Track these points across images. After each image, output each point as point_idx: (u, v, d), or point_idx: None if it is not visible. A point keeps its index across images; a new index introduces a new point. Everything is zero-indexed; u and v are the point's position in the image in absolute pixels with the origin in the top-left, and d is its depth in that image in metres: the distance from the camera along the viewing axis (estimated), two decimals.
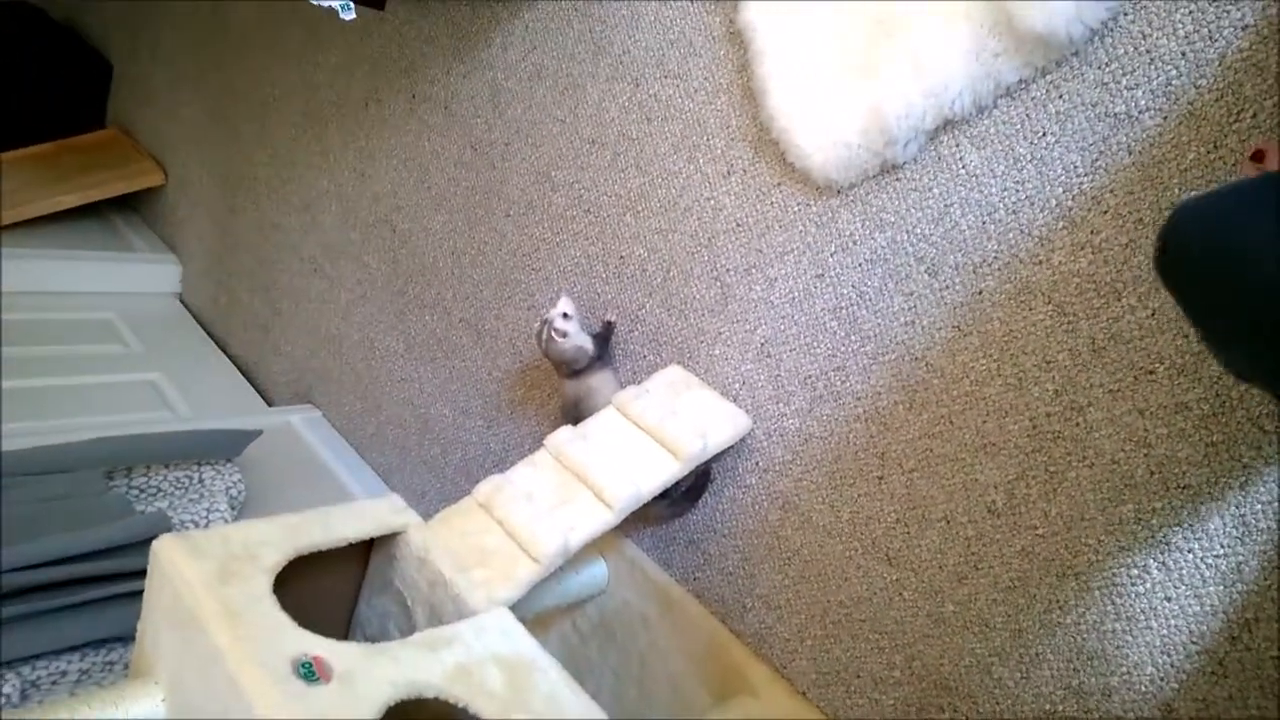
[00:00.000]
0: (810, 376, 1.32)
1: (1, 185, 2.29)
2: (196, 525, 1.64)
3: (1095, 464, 1.07)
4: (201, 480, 1.73)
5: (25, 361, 1.96)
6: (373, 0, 1.32)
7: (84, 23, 2.86)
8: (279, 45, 2.16)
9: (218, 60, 2.35)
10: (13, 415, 1.77)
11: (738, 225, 1.38)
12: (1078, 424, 1.07)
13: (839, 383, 1.29)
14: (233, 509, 1.72)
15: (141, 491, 1.65)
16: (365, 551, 1.27)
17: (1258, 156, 0.86)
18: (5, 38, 2.59)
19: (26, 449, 1.55)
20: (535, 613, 1.41)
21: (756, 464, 1.39)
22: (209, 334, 2.40)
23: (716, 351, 1.43)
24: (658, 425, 1.34)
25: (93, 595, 1.39)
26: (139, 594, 1.06)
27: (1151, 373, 1.01)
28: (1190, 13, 0.95)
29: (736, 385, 1.41)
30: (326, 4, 1.31)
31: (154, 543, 1.00)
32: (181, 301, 2.50)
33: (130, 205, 2.61)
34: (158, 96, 2.58)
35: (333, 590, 1.29)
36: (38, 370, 1.97)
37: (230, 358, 2.34)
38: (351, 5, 1.31)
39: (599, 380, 1.48)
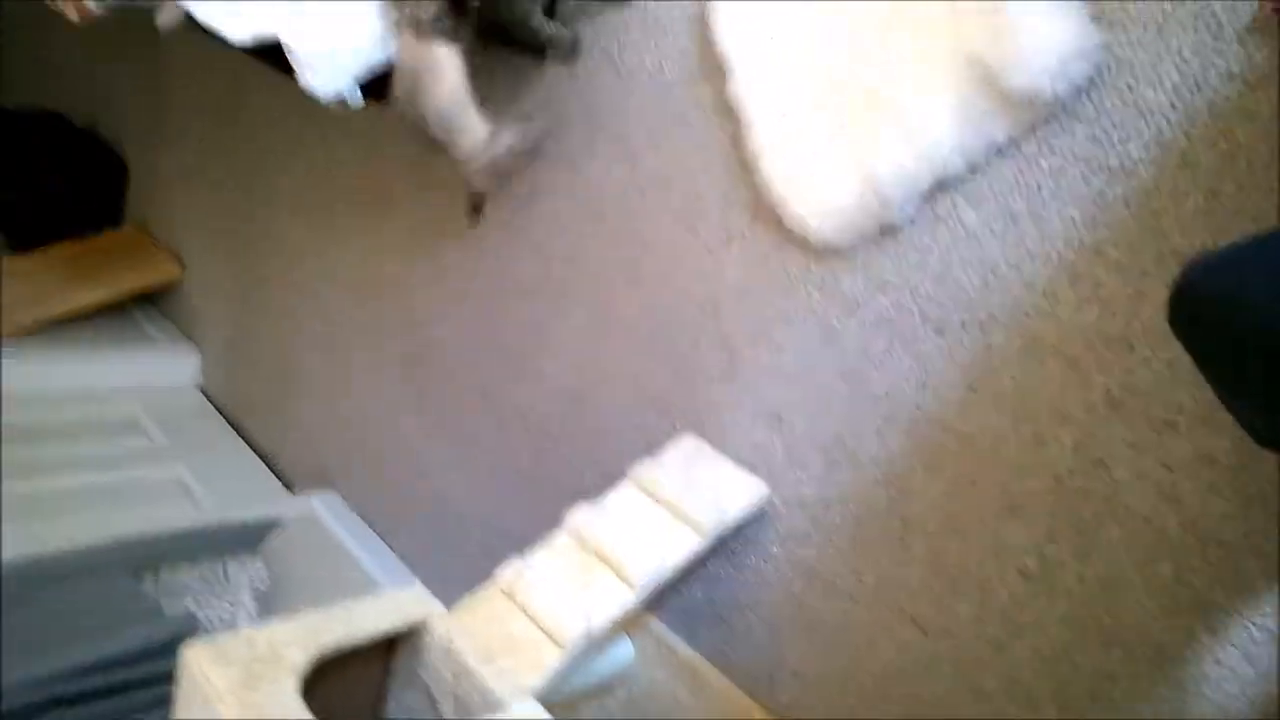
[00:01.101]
0: (825, 442, 1.31)
1: (24, 288, 2.34)
2: (223, 621, 1.64)
3: (1126, 522, 1.04)
4: (226, 574, 1.74)
5: (53, 463, 1.99)
6: (378, 93, 1.35)
7: (102, 124, 2.94)
8: (291, 134, 2.21)
9: (231, 154, 2.41)
10: (39, 518, 1.79)
11: (741, 292, 1.38)
12: (1103, 480, 1.05)
13: (854, 447, 1.28)
14: (256, 601, 1.72)
15: (169, 589, 1.66)
16: (390, 642, 1.26)
17: None
18: (28, 144, 2.67)
19: (54, 553, 1.57)
20: (564, 697, 1.39)
21: (777, 533, 1.37)
22: (230, 421, 2.42)
23: (727, 419, 1.42)
24: (675, 499, 1.33)
25: (124, 704, 1.39)
26: (168, 699, 1.06)
27: (1173, 425, 0.99)
28: (1175, 65, 0.94)
29: (751, 453, 1.39)
30: (334, 94, 1.32)
31: (184, 652, 1.00)
32: (202, 391, 2.53)
33: (149, 299, 2.66)
34: (173, 191, 2.64)
35: (360, 686, 1.28)
36: (66, 470, 2.00)
37: (251, 444, 2.36)
38: (359, 94, 1.33)
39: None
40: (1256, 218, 0.91)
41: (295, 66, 1.22)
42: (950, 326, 1.16)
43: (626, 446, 1.56)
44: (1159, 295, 0.99)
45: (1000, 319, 1.11)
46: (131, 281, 2.47)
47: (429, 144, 1.40)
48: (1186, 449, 0.98)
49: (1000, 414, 1.13)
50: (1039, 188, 1.06)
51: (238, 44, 1.21)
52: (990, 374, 1.13)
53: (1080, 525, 1.07)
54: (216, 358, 2.53)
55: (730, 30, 1.28)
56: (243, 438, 2.38)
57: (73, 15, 1.38)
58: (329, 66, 1.20)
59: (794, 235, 1.29)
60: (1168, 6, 0.94)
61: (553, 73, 1.56)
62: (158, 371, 2.45)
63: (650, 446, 1.51)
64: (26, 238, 2.55)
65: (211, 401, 2.50)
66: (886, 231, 1.20)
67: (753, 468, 1.39)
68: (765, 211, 1.32)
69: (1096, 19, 0.98)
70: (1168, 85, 0.95)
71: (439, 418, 1.91)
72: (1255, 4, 0.89)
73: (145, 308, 2.64)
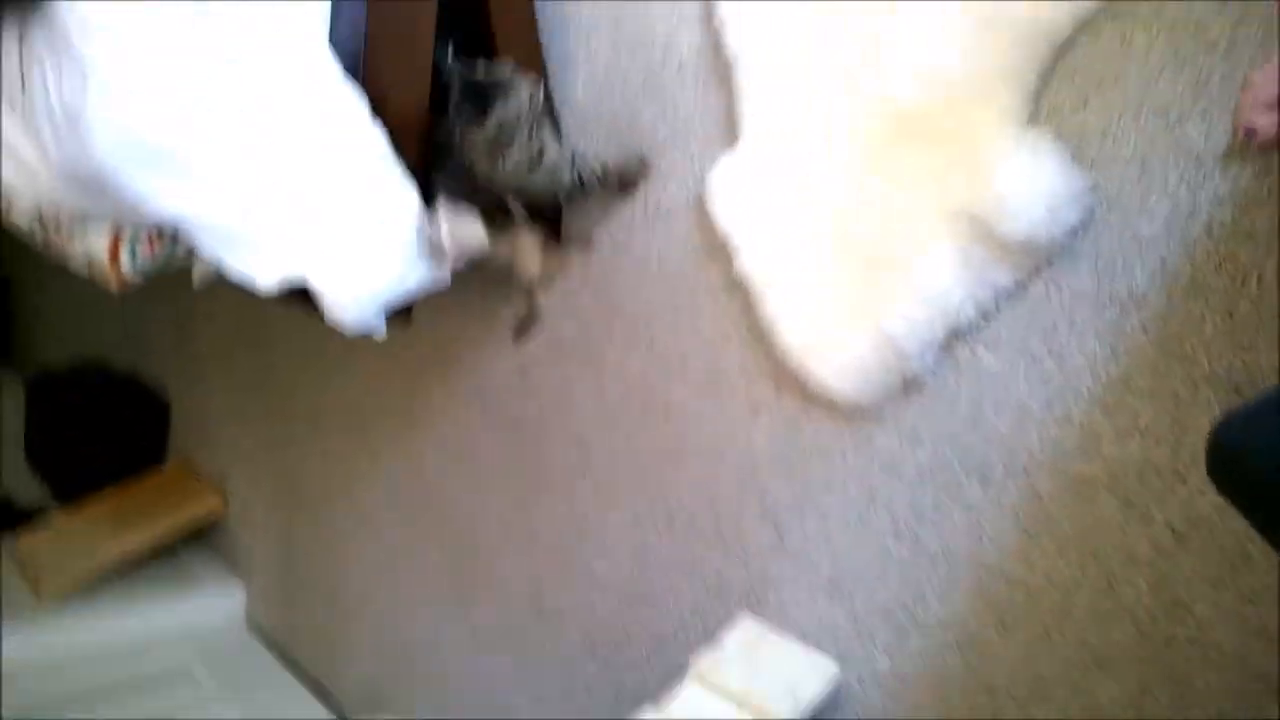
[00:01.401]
0: (888, 608, 1.25)
1: (69, 544, 2.38)
2: None
3: (1220, 664, 0.97)
4: None
5: None
6: (402, 320, 1.40)
7: (142, 366, 3.08)
8: (321, 361, 2.29)
9: (267, 385, 2.49)
10: None
11: (776, 461, 1.37)
12: (1186, 622, 0.99)
13: (920, 611, 1.22)
14: None
15: None
16: None
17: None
18: (70, 399, 2.79)
19: None
20: None
21: (856, 713, 1.29)
22: (279, 653, 2.39)
23: (785, 595, 1.37)
24: (743, 690, 1.26)
25: None
26: None
27: (1246, 555, 0.94)
28: (1163, 196, 0.96)
29: (814, 629, 1.34)
30: (361, 328, 1.38)
31: None
32: (250, 624, 2.50)
33: (195, 535, 2.69)
34: (214, 426, 2.72)
35: None
36: None
37: (302, 674, 2.31)
38: (383, 325, 1.38)
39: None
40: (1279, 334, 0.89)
41: (322, 307, 1.28)
42: (993, 474, 1.13)
43: (686, 635, 1.51)
44: (1199, 420, 0.96)
45: (1043, 461, 1.09)
46: (176, 521, 2.50)
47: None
48: (1266, 578, 0.93)
49: (1065, 561, 1.08)
50: (1054, 326, 1.05)
51: (267, 291, 1.27)
52: (1045, 519, 1.09)
53: (1172, 673, 1.00)
54: (264, 588, 2.52)
55: (728, 211, 1.33)
56: (294, 669, 2.33)
57: (113, 286, 1.47)
58: (354, 304, 1.26)
59: (820, 399, 1.29)
60: (1145, 142, 0.97)
61: (567, 269, 1.62)
62: (206, 611, 2.45)
63: (709, 632, 1.46)
64: (73, 489, 2.62)
65: (261, 634, 2.47)
66: (911, 385, 1.20)
67: (819, 644, 1.33)
68: (788, 379, 1.32)
69: (1078, 161, 1.01)
70: (1161, 216, 0.96)
71: (490, 626, 1.86)
72: (1228, 130, 0.91)
73: (190, 544, 2.67)
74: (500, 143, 1.22)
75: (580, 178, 1.36)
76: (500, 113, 1.19)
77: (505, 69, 1.23)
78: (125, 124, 1.06)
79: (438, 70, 1.29)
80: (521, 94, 1.20)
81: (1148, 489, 1.00)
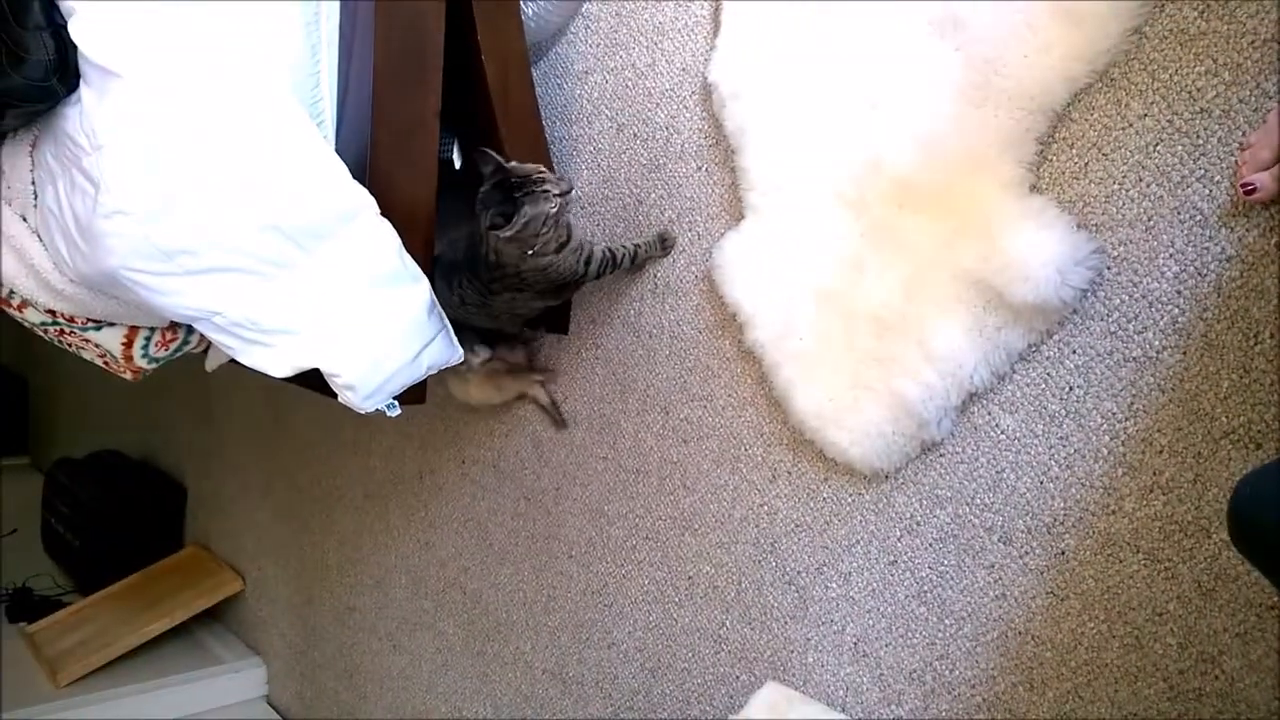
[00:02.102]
0: (915, 670, 1.24)
1: (93, 627, 2.37)
2: None
3: (1251, 717, 0.96)
4: None
5: None
6: (415, 397, 1.41)
7: (158, 451, 3.09)
8: (334, 439, 2.29)
9: (281, 465, 2.50)
10: None
11: (796, 526, 1.37)
12: (1216, 677, 0.98)
13: (947, 672, 1.21)
14: None
15: None
16: None
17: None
18: (89, 486, 2.80)
19: None
20: None
21: None
22: None
23: (810, 659, 1.36)
24: None
25: None
26: None
27: (1273, 608, 0.94)
28: (1171, 255, 0.98)
29: (841, 693, 1.32)
30: (374, 409, 1.39)
31: None
32: (269, 703, 2.48)
33: (213, 615, 2.67)
34: (230, 508, 2.72)
35: None
36: None
37: None
38: (397, 404, 1.39)
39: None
40: None
41: (335, 390, 1.29)
42: (1016, 534, 1.13)
43: (711, 702, 1.49)
44: (1221, 475, 0.97)
45: (1065, 521, 1.09)
46: (195, 603, 2.49)
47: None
48: None
49: (1093, 619, 1.07)
50: (1070, 387, 1.06)
51: (279, 378, 1.29)
52: (1070, 579, 1.09)
53: None
54: (283, 666, 2.50)
55: (736, 285, 1.35)
56: None
57: (128, 375, 1.48)
58: (367, 388, 1.27)
59: (838, 464, 1.30)
60: (1149, 205, 0.99)
61: (578, 346, 1.64)
62: (224, 691, 2.42)
63: (734, 698, 1.44)
64: (92, 577, 2.61)
65: (281, 713, 2.44)
66: (929, 448, 1.20)
67: (845, 708, 1.32)
68: (804, 445, 1.33)
69: (1084, 226, 1.03)
70: (1169, 275, 0.98)
71: (512, 699, 1.84)
72: (1231, 191, 0.93)
73: (210, 625, 2.65)
74: (527, 238, 1.27)
75: (611, 254, 1.41)
76: (530, 210, 1.23)
77: (532, 167, 1.27)
78: (137, 232, 1.08)
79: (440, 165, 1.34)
80: (552, 194, 1.24)
81: (1172, 545, 1.01)
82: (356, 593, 2.24)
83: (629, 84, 1.51)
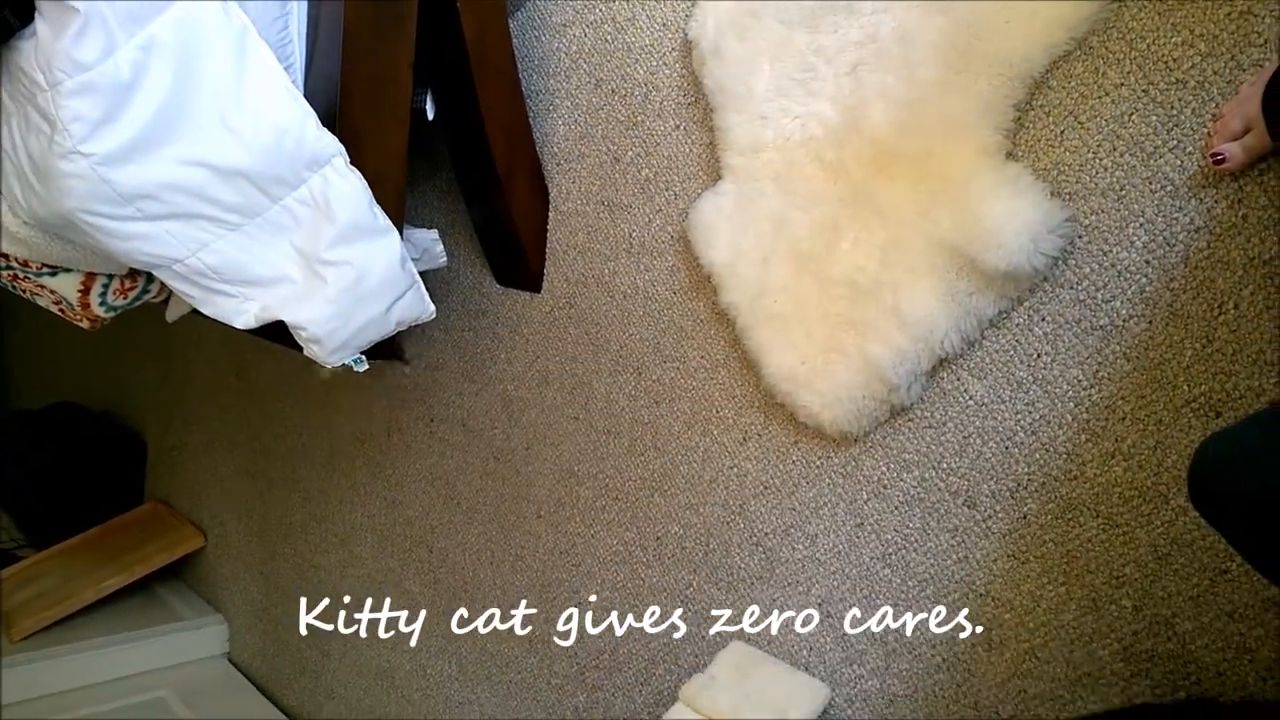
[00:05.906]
0: (878, 631, 1.26)
1: (50, 581, 2.33)
2: None
3: (1202, 680, 0.99)
4: None
5: None
6: (384, 352, 1.39)
7: (117, 405, 3.03)
8: (300, 394, 2.27)
9: (245, 419, 2.46)
10: None
11: (765, 488, 1.38)
12: (1169, 639, 1.01)
13: (909, 632, 1.23)
14: None
15: None
16: None
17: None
18: (42, 442, 2.74)
19: None
20: None
21: None
22: (261, 689, 2.35)
23: (775, 619, 1.38)
24: (733, 714, 1.27)
25: None
26: None
27: (1225, 572, 0.96)
28: (1141, 225, 0.99)
29: (804, 652, 1.35)
30: (341, 363, 1.37)
31: None
32: (231, 660, 2.46)
33: (173, 572, 2.64)
34: (192, 463, 2.68)
35: None
36: None
37: (284, 710, 2.27)
38: (364, 359, 1.37)
39: None
40: (1256, 359, 0.92)
41: (301, 343, 1.27)
42: (980, 498, 1.15)
43: (675, 661, 1.51)
44: (1181, 443, 0.99)
45: (1029, 485, 1.11)
46: (155, 558, 2.46)
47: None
48: (1247, 595, 0.95)
49: (1052, 582, 1.10)
50: (1038, 355, 1.08)
51: (243, 329, 1.26)
52: (1032, 542, 1.11)
53: (1156, 689, 1.02)
54: (244, 623, 2.48)
55: (711, 246, 1.35)
56: (276, 704, 2.29)
57: (85, 324, 1.45)
58: (334, 342, 1.25)
59: (808, 427, 1.31)
60: (1122, 175, 1.00)
61: (551, 305, 1.63)
62: (184, 648, 2.40)
63: (699, 659, 1.46)
64: (49, 532, 2.57)
65: (242, 670, 2.43)
66: (898, 412, 1.22)
67: (808, 667, 1.34)
68: (775, 408, 1.34)
69: (1057, 194, 1.04)
70: (1139, 245, 0.99)
71: (477, 657, 1.85)
72: (1202, 162, 0.94)
73: (170, 582, 2.62)
74: None
75: None
76: None
77: None
78: (95, 173, 1.05)
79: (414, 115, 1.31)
80: None
81: (1131, 510, 1.03)
82: (320, 550, 2.23)
83: (608, 38, 1.49)
